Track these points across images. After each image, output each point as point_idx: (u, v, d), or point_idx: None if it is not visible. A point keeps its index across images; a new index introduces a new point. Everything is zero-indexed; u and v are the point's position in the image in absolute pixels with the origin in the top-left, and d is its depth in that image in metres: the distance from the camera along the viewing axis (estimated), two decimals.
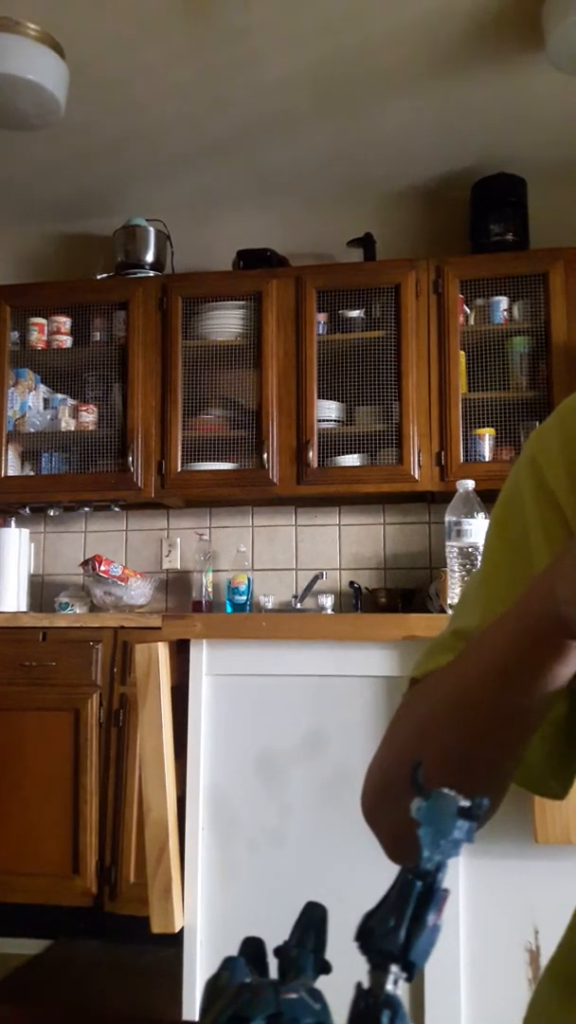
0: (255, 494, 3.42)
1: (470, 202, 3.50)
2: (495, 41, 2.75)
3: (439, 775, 0.49)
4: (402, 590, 3.44)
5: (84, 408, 3.56)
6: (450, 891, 0.38)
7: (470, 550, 1.78)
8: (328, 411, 3.40)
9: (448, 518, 1.79)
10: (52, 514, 3.73)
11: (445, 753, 0.60)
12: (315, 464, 3.32)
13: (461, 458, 3.24)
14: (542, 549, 0.65)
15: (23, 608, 3.45)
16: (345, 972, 0.44)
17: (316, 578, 3.46)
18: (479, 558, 1.79)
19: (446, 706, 0.62)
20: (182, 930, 1.54)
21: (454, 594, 1.79)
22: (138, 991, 2.58)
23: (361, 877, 1.48)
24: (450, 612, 1.78)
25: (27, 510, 3.72)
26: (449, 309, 3.30)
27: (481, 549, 1.67)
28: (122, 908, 2.90)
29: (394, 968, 0.37)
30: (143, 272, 3.61)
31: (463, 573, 1.78)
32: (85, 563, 3.50)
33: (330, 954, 0.45)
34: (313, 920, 0.46)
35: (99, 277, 3.64)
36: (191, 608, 3.60)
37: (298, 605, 3.51)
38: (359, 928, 0.38)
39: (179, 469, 3.42)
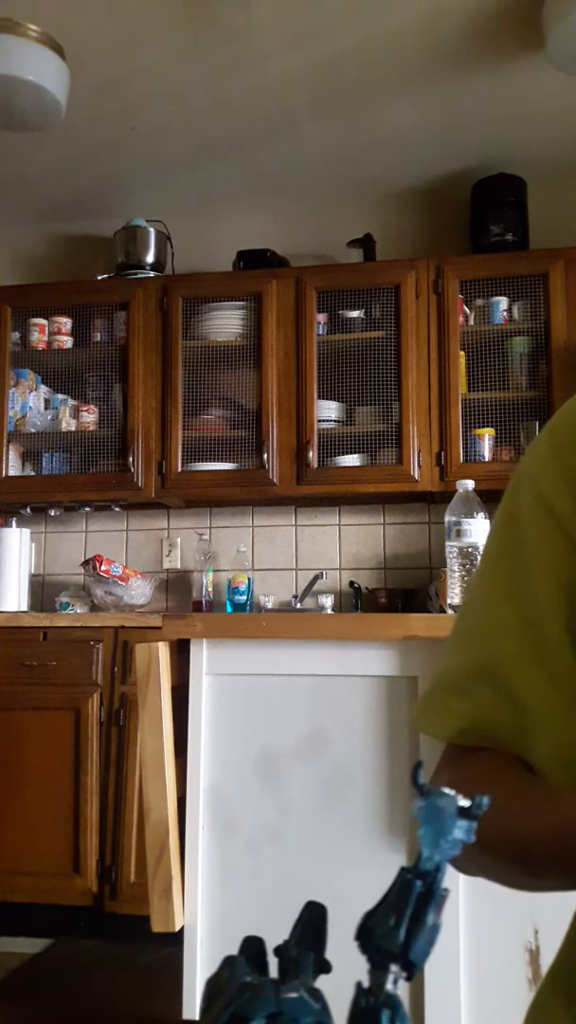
0: (255, 494, 3.42)
1: (470, 202, 3.50)
2: (495, 41, 2.75)
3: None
4: (402, 590, 3.44)
5: (85, 408, 3.56)
6: (450, 891, 0.39)
7: (470, 550, 1.78)
8: (328, 411, 3.40)
9: (448, 518, 1.79)
10: (53, 514, 3.73)
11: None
12: (315, 464, 3.32)
13: (461, 458, 3.24)
14: (545, 575, 0.64)
15: (24, 608, 3.45)
16: (345, 972, 0.44)
17: (316, 578, 3.46)
18: (479, 558, 1.79)
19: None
20: (182, 929, 1.54)
21: (454, 594, 1.79)
22: (138, 991, 2.58)
23: (361, 877, 1.48)
24: (451, 612, 1.78)
25: (28, 510, 3.72)
26: (449, 309, 3.30)
27: (480, 551, 1.67)
28: (122, 907, 2.90)
29: (394, 968, 0.37)
30: (143, 273, 3.61)
31: (463, 573, 1.78)
32: (86, 563, 3.50)
33: (330, 954, 0.45)
34: (313, 920, 0.46)
35: (100, 278, 3.64)
36: (191, 608, 3.60)
37: (298, 605, 3.51)
38: (359, 928, 0.38)
39: (179, 469, 3.42)
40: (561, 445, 0.65)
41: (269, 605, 3.56)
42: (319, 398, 3.37)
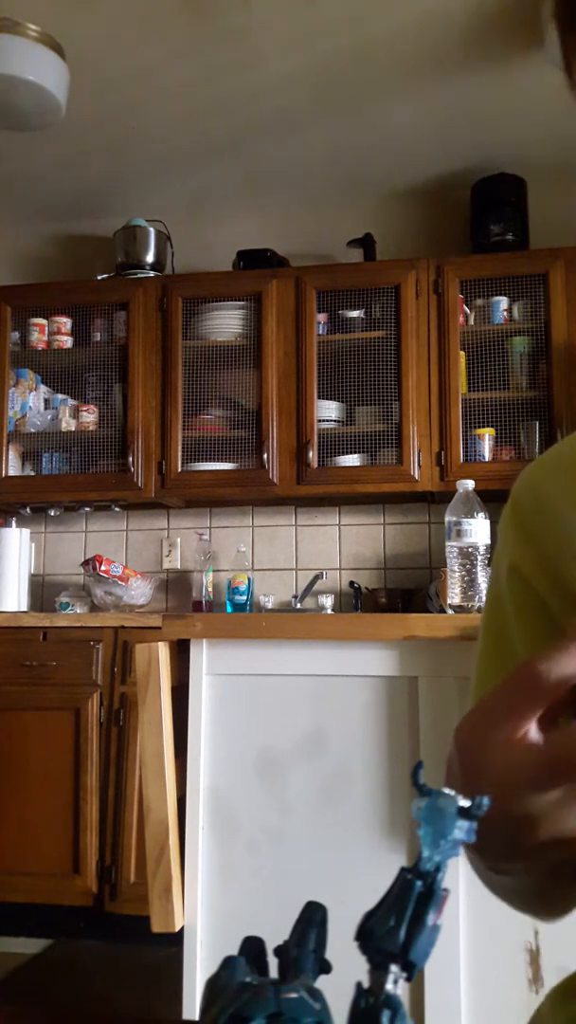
0: (255, 494, 3.42)
1: (470, 202, 3.50)
2: (495, 41, 2.75)
3: None
4: (402, 590, 3.44)
5: (84, 408, 3.56)
6: (450, 891, 0.39)
7: (470, 550, 1.78)
8: (328, 411, 3.40)
9: (448, 518, 1.79)
10: (52, 514, 3.73)
11: None
12: (315, 464, 3.32)
13: (461, 458, 3.24)
14: (524, 632, 0.70)
15: (24, 608, 3.45)
16: (345, 972, 0.44)
17: (316, 578, 3.46)
18: (479, 558, 1.79)
19: None
20: (182, 930, 1.54)
21: (454, 594, 1.79)
22: (138, 991, 2.58)
23: (361, 877, 1.48)
24: (451, 612, 1.78)
25: (28, 510, 3.72)
26: (449, 309, 3.29)
27: (481, 554, 1.67)
28: (122, 908, 2.90)
29: (394, 968, 0.37)
30: (143, 273, 3.61)
31: (463, 573, 1.78)
32: (86, 563, 3.50)
33: (330, 954, 0.45)
34: (313, 920, 0.46)
35: (99, 278, 3.64)
36: (191, 608, 3.60)
37: (298, 605, 3.51)
38: (359, 928, 0.38)
39: (179, 469, 3.42)
40: (519, 510, 0.72)
41: (269, 605, 3.56)
42: (319, 398, 3.37)
